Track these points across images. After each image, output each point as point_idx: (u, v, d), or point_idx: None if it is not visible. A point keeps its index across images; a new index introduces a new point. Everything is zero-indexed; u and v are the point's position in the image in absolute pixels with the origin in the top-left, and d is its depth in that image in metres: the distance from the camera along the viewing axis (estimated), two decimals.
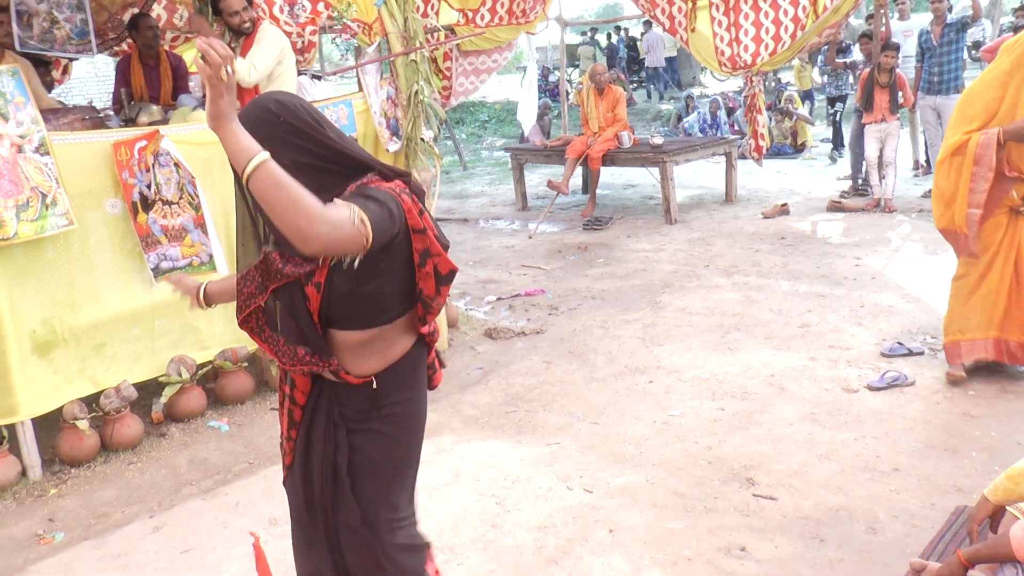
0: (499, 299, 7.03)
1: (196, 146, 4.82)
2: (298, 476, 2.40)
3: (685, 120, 14.15)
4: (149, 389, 4.90)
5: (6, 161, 4.09)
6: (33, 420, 4.37)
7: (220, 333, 5.10)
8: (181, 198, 4.62)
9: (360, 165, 2.17)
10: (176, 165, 4.58)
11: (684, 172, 11.13)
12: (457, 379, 5.36)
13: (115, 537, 3.80)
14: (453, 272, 2.30)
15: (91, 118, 5.14)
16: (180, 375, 4.83)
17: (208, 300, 2.53)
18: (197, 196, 4.64)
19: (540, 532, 3.54)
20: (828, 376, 4.89)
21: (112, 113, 5.81)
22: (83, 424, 4.45)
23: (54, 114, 4.96)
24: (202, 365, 4.99)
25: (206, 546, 3.67)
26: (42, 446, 4.45)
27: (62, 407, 4.47)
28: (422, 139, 5.69)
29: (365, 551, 2.36)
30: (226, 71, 1.86)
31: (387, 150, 5.69)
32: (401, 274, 2.22)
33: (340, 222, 1.90)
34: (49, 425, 4.53)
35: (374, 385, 2.28)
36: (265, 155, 1.85)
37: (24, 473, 4.35)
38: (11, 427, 4.32)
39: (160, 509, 4.03)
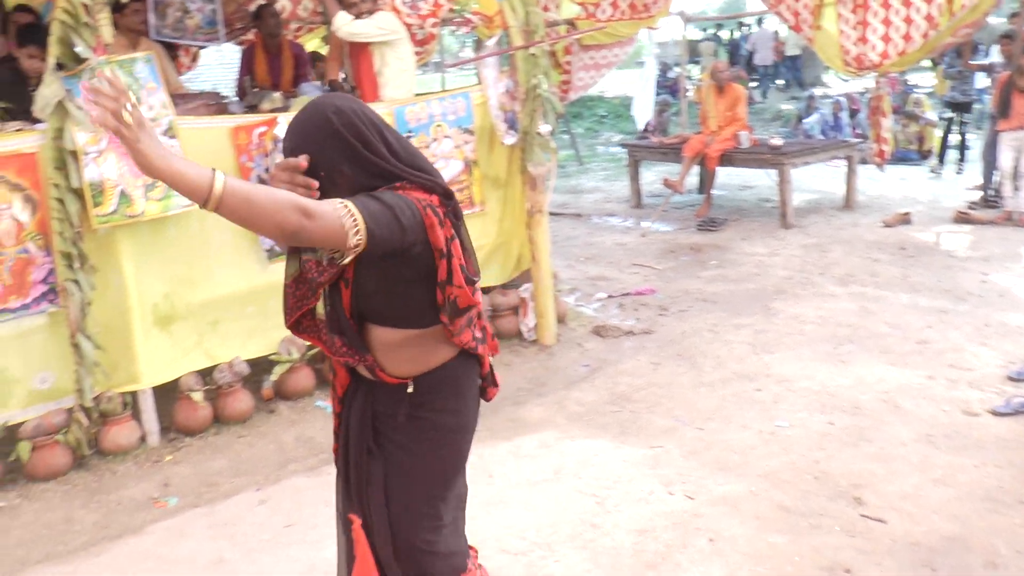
0: (609, 297, 6.97)
1: None
2: (342, 460, 2.41)
3: (805, 121, 13.73)
4: (261, 366, 5.05)
5: None
6: (152, 389, 4.59)
7: None
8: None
9: (409, 175, 2.11)
10: None
11: (802, 175, 10.80)
12: (563, 375, 5.35)
13: (223, 506, 3.94)
14: (471, 307, 2.22)
15: (216, 104, 5.33)
16: (291, 354, 4.97)
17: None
18: None
19: (639, 536, 3.50)
20: (947, 396, 4.67)
21: (236, 99, 6.02)
22: (198, 396, 4.64)
23: (182, 99, 5.16)
24: (312, 346, 5.11)
25: (308, 522, 3.76)
26: (160, 414, 4.66)
27: (179, 379, 4.67)
28: (539, 133, 5.69)
29: (389, 545, 2.33)
30: (126, 108, 1.69)
31: (503, 143, 5.71)
32: (432, 285, 2.16)
33: (320, 214, 1.85)
34: (167, 395, 4.72)
35: (409, 388, 2.24)
36: (221, 177, 1.74)
37: (143, 439, 4.57)
38: (133, 395, 4.55)
39: (266, 483, 4.15)
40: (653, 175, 11.80)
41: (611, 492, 3.86)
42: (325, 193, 2.08)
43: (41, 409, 4.33)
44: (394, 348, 2.21)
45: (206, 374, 4.77)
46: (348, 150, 2.05)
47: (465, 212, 5.67)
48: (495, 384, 2.46)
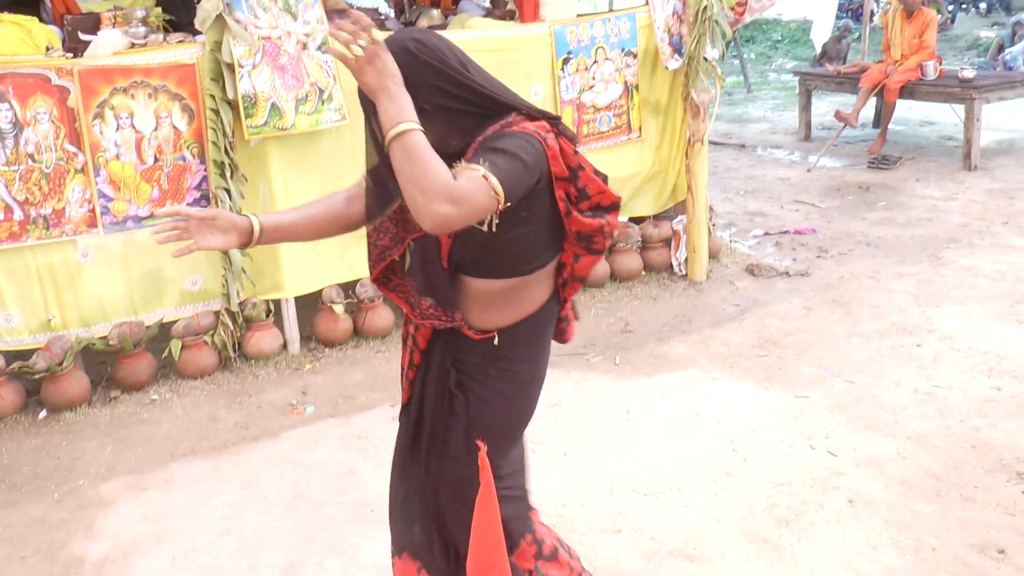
0: (766, 234, 6.70)
1: (470, 52, 4.78)
2: (413, 415, 2.30)
3: (1008, 51, 12.55)
4: None
5: (291, 57, 4.38)
6: (295, 299, 4.75)
7: None
8: None
9: (503, 106, 2.01)
10: None
11: (995, 112, 9.93)
12: (711, 314, 5.20)
13: (358, 419, 4.07)
14: (616, 203, 2.10)
15: (373, 20, 5.32)
16: None
17: (264, 238, 2.11)
18: None
19: (774, 488, 3.38)
20: None
21: (392, 15, 6.00)
22: (339, 308, 4.78)
23: (339, 14, 5.18)
24: None
25: None
26: (302, 324, 4.84)
27: (321, 290, 4.81)
28: (705, 58, 5.43)
29: (460, 494, 2.26)
30: (359, 45, 1.75)
31: (666, 67, 5.49)
32: (546, 222, 2.06)
33: (466, 197, 1.77)
34: (309, 305, 4.89)
35: (495, 341, 2.14)
36: (406, 126, 1.76)
37: (284, 346, 4.78)
38: (276, 303, 4.75)
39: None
40: (826, 106, 11.17)
41: (749, 440, 3.74)
42: (425, 131, 1.99)
43: (191, 310, 4.61)
44: (489, 300, 2.13)
45: (348, 288, 4.90)
46: (438, 78, 1.95)
47: (621, 138, 5.57)
48: (577, 319, 2.38)
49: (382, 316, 4.91)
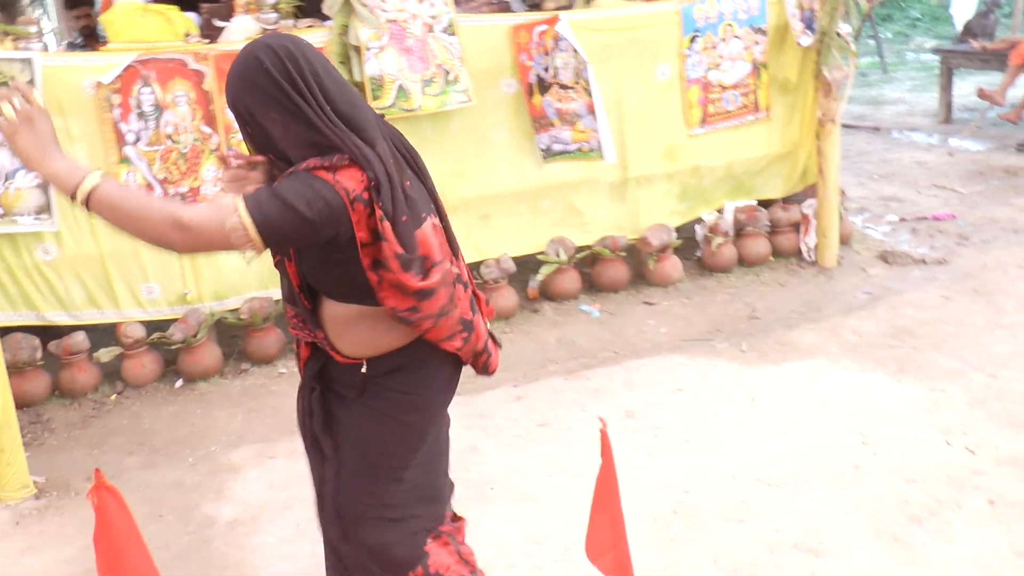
0: (901, 220, 6.40)
1: (596, 32, 4.85)
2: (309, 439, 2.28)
3: None
4: (527, 265, 5.13)
5: (417, 39, 4.42)
6: None
7: (603, 219, 5.18)
8: (577, 83, 4.66)
9: (335, 144, 1.86)
10: (575, 50, 4.60)
11: None
12: (841, 301, 5.01)
13: (481, 398, 4.08)
14: (422, 291, 1.95)
15: (498, 2, 5.32)
16: (558, 255, 5.00)
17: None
18: (590, 82, 4.65)
19: (907, 485, 3.22)
20: None
21: None
22: None
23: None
24: (581, 248, 5.11)
25: (562, 424, 3.81)
26: None
27: None
28: (839, 34, 5.21)
29: (333, 517, 2.22)
30: (11, 106, 1.70)
31: (797, 44, 5.30)
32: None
33: (196, 226, 1.73)
34: None
35: (363, 369, 2.06)
36: (92, 180, 1.70)
37: None
38: None
39: (524, 380, 4.25)
40: (969, 86, 10.58)
41: (880, 433, 3.58)
42: (260, 148, 1.96)
43: None
44: (346, 325, 2.06)
45: (473, 268, 4.91)
46: (276, 92, 1.85)
47: (748, 118, 5.42)
48: (493, 351, 2.21)
49: (507, 297, 4.92)
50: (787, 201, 5.74)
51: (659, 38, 5.06)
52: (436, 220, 2.06)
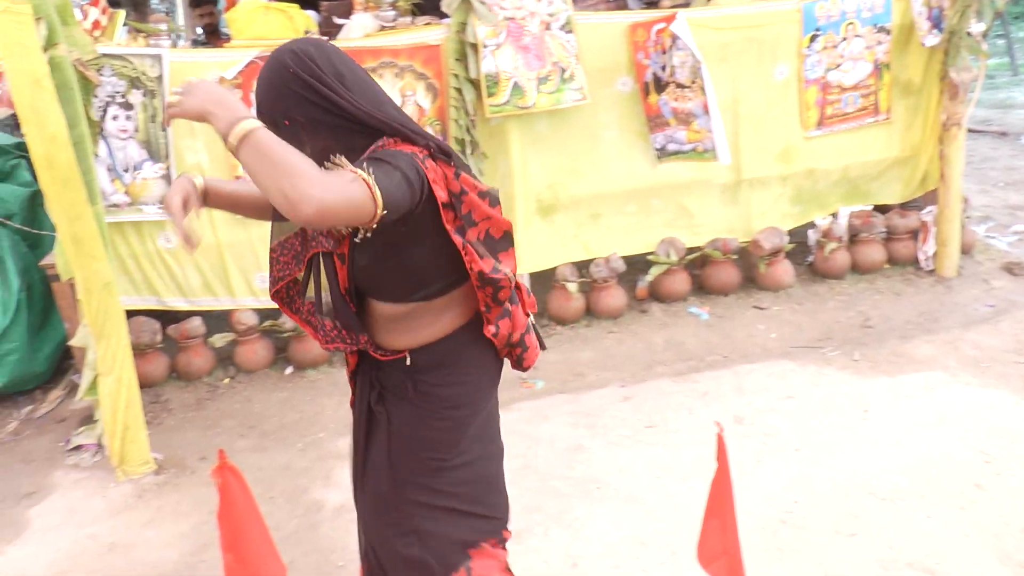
0: None
1: (715, 30, 4.77)
2: (353, 430, 2.25)
3: None
4: (636, 265, 5.08)
5: (535, 37, 4.44)
6: (529, 275, 4.81)
7: (714, 221, 5.10)
8: (694, 82, 4.59)
9: (379, 127, 1.89)
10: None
11: None
12: (961, 313, 4.80)
13: (587, 397, 4.07)
14: (508, 233, 1.95)
15: (615, 0, 5.28)
16: (668, 256, 4.94)
17: (208, 200, 2.11)
18: (706, 81, 4.57)
19: None
20: None
21: None
22: (572, 287, 4.80)
23: None
24: (691, 250, 5.05)
25: (669, 426, 3.77)
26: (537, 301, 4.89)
27: (555, 268, 4.85)
28: (968, 33, 4.99)
29: (378, 512, 2.18)
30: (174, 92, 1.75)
31: (923, 44, 5.10)
32: (434, 248, 1.93)
33: (338, 187, 1.65)
34: (542, 283, 4.93)
35: (407, 362, 2.03)
36: (248, 124, 1.66)
37: None
38: None
39: (631, 380, 4.22)
40: None
41: (1004, 452, 3.41)
42: (307, 145, 1.91)
43: None
44: (392, 322, 2.04)
45: (582, 267, 4.90)
46: (306, 92, 1.86)
47: (867, 120, 5.25)
48: (531, 345, 2.18)
49: (615, 296, 4.89)
50: (905, 207, 5.54)
51: (778, 37, 4.95)
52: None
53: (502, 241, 1.99)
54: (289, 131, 1.85)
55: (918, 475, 3.29)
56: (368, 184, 1.68)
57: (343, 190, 1.65)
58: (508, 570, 2.21)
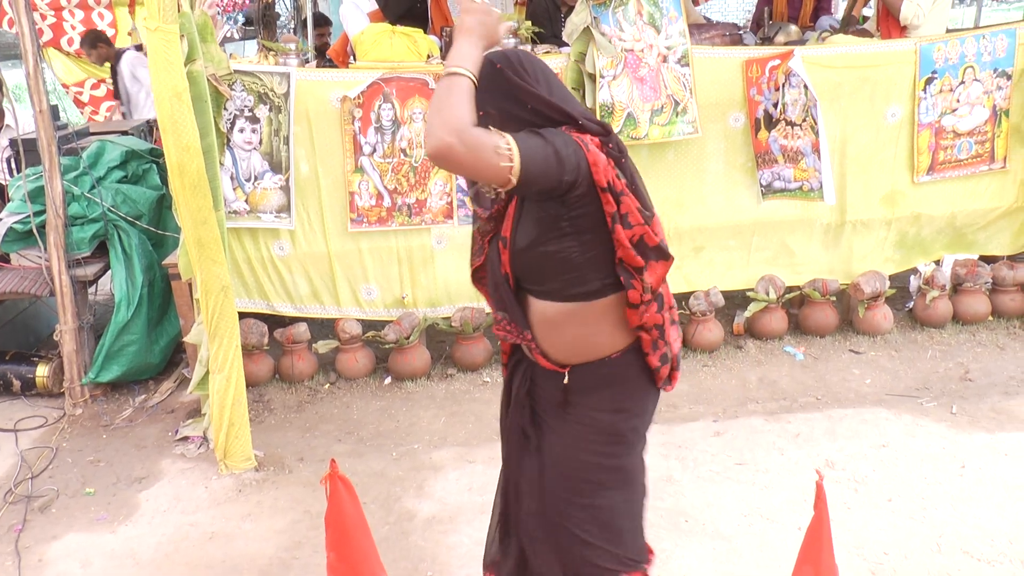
0: None
1: (828, 69, 4.75)
2: (503, 429, 2.35)
3: None
4: (734, 300, 5.09)
5: (651, 69, 4.50)
6: None
7: (815, 260, 5.07)
8: (804, 120, 4.59)
9: (564, 120, 2.06)
10: (805, 87, 4.54)
11: None
12: None
13: (679, 429, 4.09)
14: (661, 247, 2.05)
15: (731, 35, 5.31)
16: (767, 294, 4.93)
17: None
18: (817, 120, 4.57)
19: None
20: None
21: (750, 31, 5.95)
22: None
23: (698, 29, 5.22)
24: (790, 288, 5.02)
25: (760, 465, 3.77)
26: None
27: None
28: None
29: (543, 542, 2.25)
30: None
31: None
32: (594, 242, 2.04)
33: (477, 141, 1.82)
34: None
35: (565, 379, 2.10)
36: (463, 71, 1.91)
37: None
38: None
39: (724, 416, 4.22)
40: None
41: None
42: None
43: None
44: (554, 326, 2.13)
45: (682, 299, 4.92)
46: (507, 85, 2.05)
47: (981, 168, 5.13)
48: (677, 368, 2.26)
49: (711, 331, 4.90)
50: (1014, 259, 5.39)
51: (893, 78, 4.90)
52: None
53: (655, 251, 2.09)
54: (481, 121, 2.02)
55: (1019, 538, 3.23)
56: (510, 147, 1.85)
57: (472, 140, 1.82)
58: None
